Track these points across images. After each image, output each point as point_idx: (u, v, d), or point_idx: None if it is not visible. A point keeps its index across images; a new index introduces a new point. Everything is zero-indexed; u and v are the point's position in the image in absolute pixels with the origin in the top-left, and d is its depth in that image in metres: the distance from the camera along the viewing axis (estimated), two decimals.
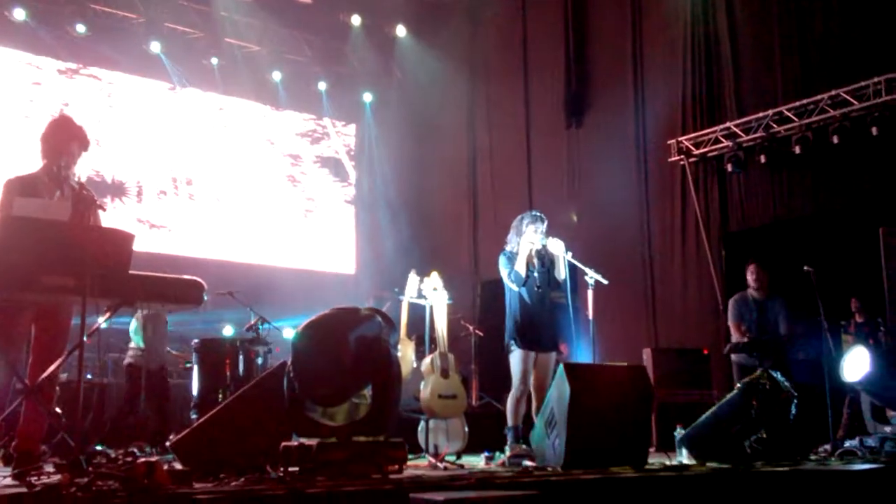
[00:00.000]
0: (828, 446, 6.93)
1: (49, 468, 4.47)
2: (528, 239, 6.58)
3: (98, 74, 12.83)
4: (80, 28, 12.20)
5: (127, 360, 8.76)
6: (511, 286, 6.62)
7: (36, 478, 4.00)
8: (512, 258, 6.62)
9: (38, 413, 4.69)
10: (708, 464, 5.68)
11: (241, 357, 8.05)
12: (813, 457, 6.52)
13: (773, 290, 8.30)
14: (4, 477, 4.26)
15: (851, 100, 9.10)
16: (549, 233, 6.69)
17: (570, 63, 12.54)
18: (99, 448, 6.69)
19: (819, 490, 4.96)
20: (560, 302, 6.72)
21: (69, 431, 4.54)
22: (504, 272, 6.65)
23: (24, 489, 3.42)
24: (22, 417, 4.71)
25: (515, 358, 6.49)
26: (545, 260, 6.72)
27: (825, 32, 9.65)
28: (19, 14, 11.72)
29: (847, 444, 6.96)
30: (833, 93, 9.25)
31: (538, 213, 6.77)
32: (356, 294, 12.91)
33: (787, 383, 6.11)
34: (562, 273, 6.58)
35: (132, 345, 8.77)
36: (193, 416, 7.64)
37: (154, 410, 8.59)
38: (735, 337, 8.39)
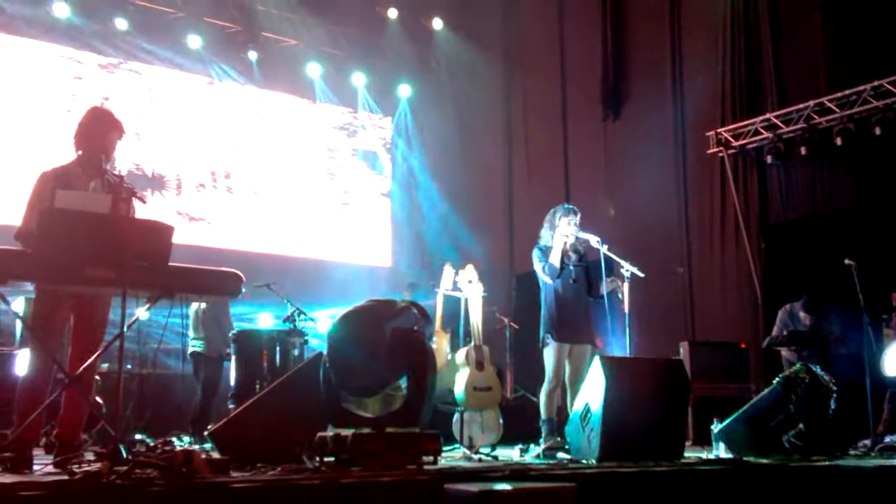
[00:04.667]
0: (868, 441, 6.86)
1: (89, 456, 4.55)
2: (561, 232, 6.57)
3: (138, 69, 12.96)
4: (121, 23, 12.36)
5: (191, 349, 8.86)
6: (545, 279, 6.60)
7: (77, 466, 4.06)
8: (546, 251, 6.61)
9: (78, 402, 4.77)
10: (745, 458, 5.63)
11: (277, 348, 8.10)
12: (852, 452, 6.45)
13: (823, 311, 8.27)
14: (46, 465, 4.33)
15: (894, 90, 8.94)
16: (586, 225, 6.67)
17: (608, 54, 12.44)
18: (138, 437, 6.78)
19: (859, 485, 4.90)
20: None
21: (109, 420, 4.61)
22: (538, 266, 6.63)
23: (65, 476, 3.48)
24: (63, 407, 4.79)
25: (549, 351, 6.48)
26: (581, 254, 6.71)
27: (868, 22, 9.48)
28: (61, 10, 11.89)
29: (887, 439, 6.90)
30: (875, 83, 9.09)
31: (571, 206, 6.76)
32: (392, 286, 12.95)
33: (826, 377, 6.04)
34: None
35: (193, 334, 8.86)
36: (231, 406, 7.71)
37: (203, 399, 8.71)
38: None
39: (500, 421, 7.20)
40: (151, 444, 5.95)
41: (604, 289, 6.56)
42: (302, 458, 4.37)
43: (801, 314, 8.39)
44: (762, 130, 10.22)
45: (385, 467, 4.15)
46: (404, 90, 15.37)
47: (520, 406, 9.85)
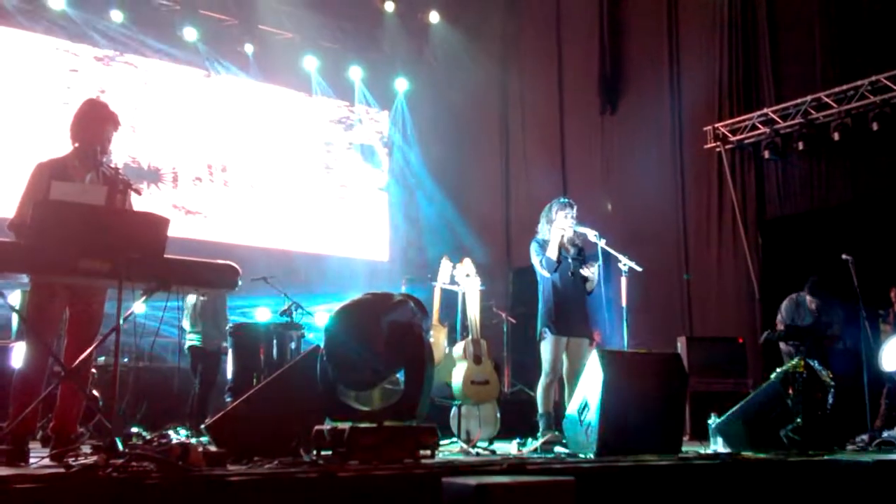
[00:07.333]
0: (865, 436, 6.85)
1: (86, 449, 4.53)
2: (558, 225, 6.58)
3: (134, 61, 12.92)
4: (117, 15, 12.31)
5: (189, 343, 8.83)
6: (543, 273, 6.60)
7: (73, 458, 4.05)
8: (544, 245, 6.62)
9: (74, 395, 4.75)
10: (742, 453, 5.63)
11: (275, 342, 8.09)
12: (850, 447, 6.45)
13: (827, 298, 8.26)
14: (42, 458, 4.31)
15: (892, 85, 8.93)
16: (583, 220, 6.67)
17: (605, 47, 12.42)
18: (135, 430, 6.76)
19: (856, 480, 4.89)
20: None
21: (105, 413, 4.59)
22: (536, 259, 6.64)
23: (61, 469, 3.46)
24: (59, 400, 4.77)
25: (547, 345, 6.48)
26: (579, 247, 6.72)
27: (866, 17, 9.47)
28: (57, 2, 11.83)
29: (885, 434, 6.89)
30: (873, 78, 9.08)
31: (566, 200, 6.78)
32: (389, 280, 12.94)
33: (824, 372, 6.04)
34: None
35: (191, 328, 8.83)
36: (228, 400, 7.70)
37: (200, 393, 8.70)
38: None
39: (498, 415, 7.20)
40: (148, 437, 5.93)
41: (594, 273, 6.56)
42: (299, 451, 4.37)
43: (808, 298, 8.39)
44: (759, 125, 10.21)
45: (382, 461, 4.14)
46: (401, 84, 15.34)
47: (517, 400, 9.85)
